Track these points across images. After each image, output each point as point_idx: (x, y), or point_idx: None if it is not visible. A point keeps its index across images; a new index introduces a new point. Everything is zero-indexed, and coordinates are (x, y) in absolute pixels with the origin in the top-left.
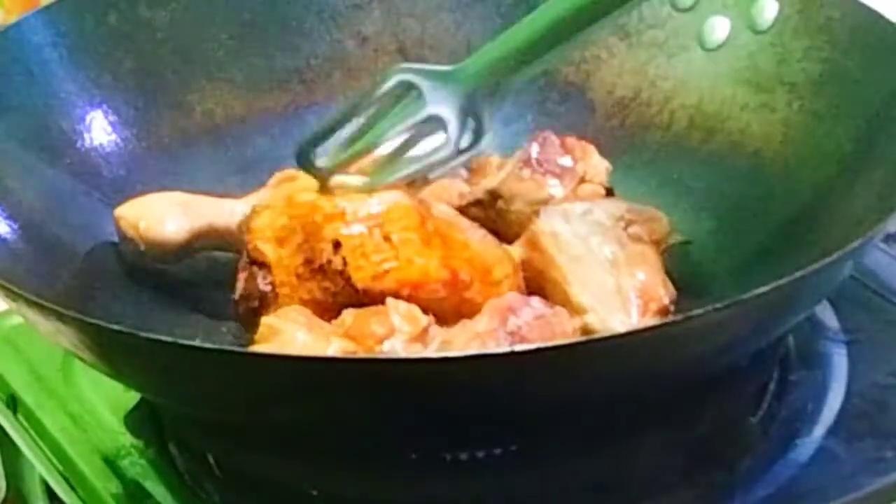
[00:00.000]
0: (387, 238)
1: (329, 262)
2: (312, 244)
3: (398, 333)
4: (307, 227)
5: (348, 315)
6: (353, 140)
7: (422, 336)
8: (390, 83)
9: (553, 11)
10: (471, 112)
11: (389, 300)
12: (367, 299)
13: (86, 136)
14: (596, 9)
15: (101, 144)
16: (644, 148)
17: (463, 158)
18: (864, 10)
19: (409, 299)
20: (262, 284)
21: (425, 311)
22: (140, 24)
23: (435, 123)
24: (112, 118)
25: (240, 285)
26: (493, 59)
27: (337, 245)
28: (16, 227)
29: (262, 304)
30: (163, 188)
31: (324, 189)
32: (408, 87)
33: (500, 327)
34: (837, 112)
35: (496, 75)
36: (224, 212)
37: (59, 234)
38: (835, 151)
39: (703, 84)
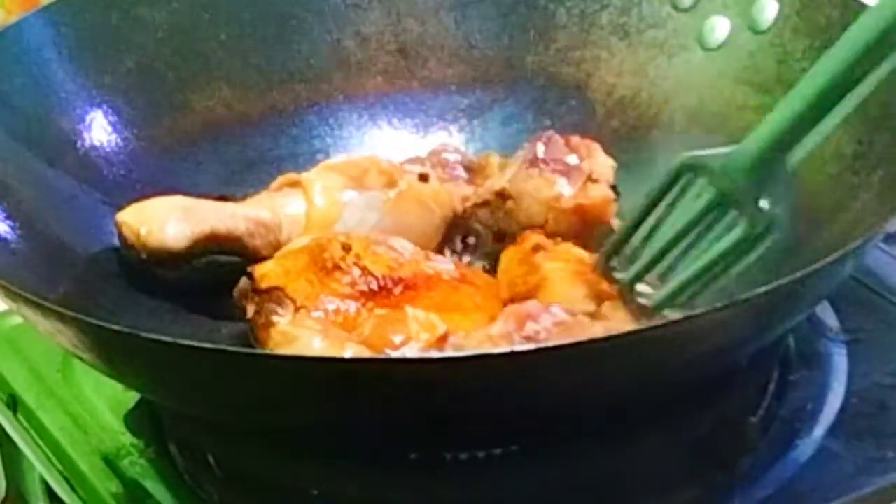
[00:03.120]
0: (392, 247)
1: (343, 258)
2: (319, 255)
3: (415, 341)
4: (312, 250)
5: (367, 323)
6: (644, 241)
7: (439, 343)
8: (674, 172)
9: (823, 74)
10: (761, 190)
11: (408, 308)
12: (385, 292)
13: (86, 136)
14: (865, 62)
15: (101, 144)
16: (644, 148)
17: (761, 246)
18: (864, 9)
19: (424, 289)
20: (275, 306)
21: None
22: (140, 24)
23: (724, 208)
24: (112, 118)
25: (250, 310)
26: (771, 135)
27: (346, 248)
28: (16, 227)
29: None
30: (163, 188)
31: (626, 301)
32: (692, 174)
33: (516, 331)
34: None
35: (776, 151)
36: (225, 216)
37: (59, 234)
38: (835, 151)
39: (703, 84)
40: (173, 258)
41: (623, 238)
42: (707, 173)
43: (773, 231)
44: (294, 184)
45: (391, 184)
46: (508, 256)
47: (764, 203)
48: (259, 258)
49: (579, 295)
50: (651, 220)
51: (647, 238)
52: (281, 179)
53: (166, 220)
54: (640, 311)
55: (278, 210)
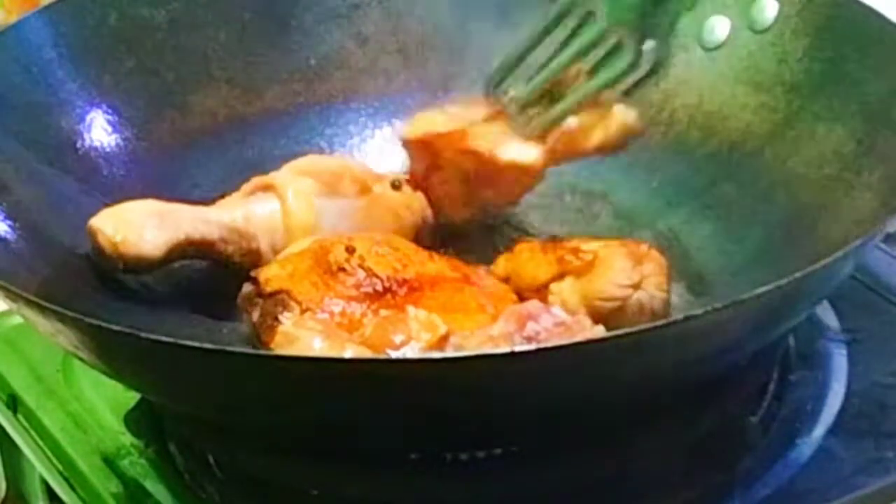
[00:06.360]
0: (396, 249)
1: (347, 259)
2: (323, 257)
3: (416, 341)
4: (315, 253)
5: (368, 324)
6: (541, 68)
7: (440, 343)
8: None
9: None
10: (649, 26)
11: (409, 308)
12: (390, 293)
13: (86, 136)
14: None
15: (101, 144)
16: (644, 148)
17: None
18: (864, 10)
19: (428, 289)
20: (280, 310)
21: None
22: (140, 24)
23: (615, 43)
24: (112, 118)
25: (255, 315)
26: None
27: (350, 250)
28: (16, 227)
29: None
30: (163, 188)
31: (513, 123)
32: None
33: (517, 331)
34: (837, 112)
35: None
36: (199, 222)
37: (59, 234)
38: (835, 151)
39: (703, 84)
40: (148, 266)
41: (513, 63)
42: (596, 6)
43: (657, 71)
44: (267, 187)
45: (364, 191)
46: (518, 256)
47: (649, 45)
48: (231, 263)
49: (628, 265)
50: (544, 51)
51: (543, 66)
52: (253, 182)
53: (143, 228)
54: None
55: (251, 216)
